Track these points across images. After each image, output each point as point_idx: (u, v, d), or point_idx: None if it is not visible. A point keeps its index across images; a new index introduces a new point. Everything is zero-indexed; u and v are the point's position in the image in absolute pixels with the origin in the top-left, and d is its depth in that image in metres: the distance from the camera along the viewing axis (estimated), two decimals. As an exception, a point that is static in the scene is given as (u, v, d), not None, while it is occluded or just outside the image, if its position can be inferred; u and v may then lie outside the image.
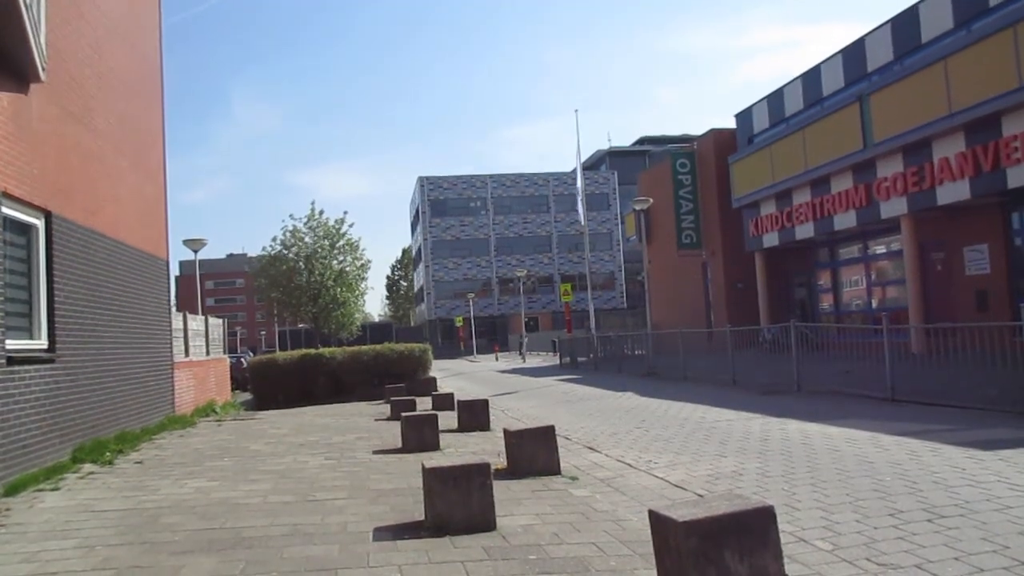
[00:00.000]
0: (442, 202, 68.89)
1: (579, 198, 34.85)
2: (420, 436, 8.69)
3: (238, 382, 24.40)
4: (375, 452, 8.71)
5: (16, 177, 7.55)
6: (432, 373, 20.12)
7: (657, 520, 3.36)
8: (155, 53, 14.05)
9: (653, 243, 32.04)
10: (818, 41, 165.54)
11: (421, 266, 71.55)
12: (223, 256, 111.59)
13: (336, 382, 18.31)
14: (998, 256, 17.86)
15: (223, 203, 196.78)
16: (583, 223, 35.15)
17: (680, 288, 32.73)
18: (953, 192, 17.50)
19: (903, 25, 20.05)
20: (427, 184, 68.60)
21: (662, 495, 5.86)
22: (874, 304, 22.83)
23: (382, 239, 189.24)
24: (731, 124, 29.71)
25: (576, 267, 66.38)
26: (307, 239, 47.02)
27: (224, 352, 20.86)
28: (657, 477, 6.58)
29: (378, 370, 18.57)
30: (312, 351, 19.92)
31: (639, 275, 50.57)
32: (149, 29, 13.74)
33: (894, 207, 19.46)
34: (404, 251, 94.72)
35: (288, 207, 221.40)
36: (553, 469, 6.80)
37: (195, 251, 21.22)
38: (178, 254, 79.23)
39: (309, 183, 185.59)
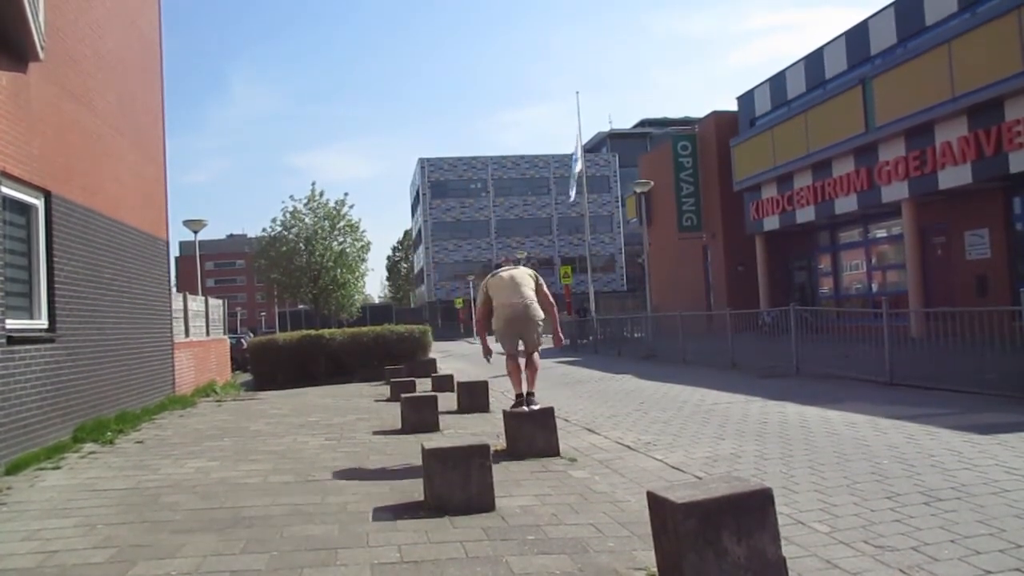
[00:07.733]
0: (443, 183, 68.68)
1: (573, 180, 34.43)
2: (420, 417, 8.72)
3: (238, 363, 24.45)
4: (375, 433, 8.74)
5: (15, 156, 7.52)
6: (432, 355, 20.12)
7: (655, 502, 3.37)
8: (155, 33, 13.95)
9: (654, 226, 31.97)
10: (816, 24, 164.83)
11: (421, 248, 71.45)
12: (223, 237, 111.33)
13: (336, 363, 18.33)
14: (999, 241, 17.82)
15: (223, 184, 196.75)
16: (571, 200, 34.65)
17: (680, 271, 32.70)
18: (955, 176, 17.44)
19: (907, 8, 19.90)
20: (428, 165, 68.33)
21: (660, 477, 5.87)
22: (874, 288, 22.81)
23: (383, 221, 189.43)
24: (732, 107, 29.57)
25: (576, 249, 66.25)
26: (307, 220, 46.80)
27: (224, 332, 20.89)
28: (655, 459, 6.60)
29: (378, 351, 18.59)
30: (312, 332, 19.92)
31: (639, 257, 50.52)
32: (149, 9, 13.64)
33: (895, 191, 19.40)
34: (405, 233, 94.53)
35: (288, 189, 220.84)
36: (552, 451, 6.82)
37: (195, 232, 21.18)
38: (178, 234, 79.19)
39: (310, 165, 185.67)
